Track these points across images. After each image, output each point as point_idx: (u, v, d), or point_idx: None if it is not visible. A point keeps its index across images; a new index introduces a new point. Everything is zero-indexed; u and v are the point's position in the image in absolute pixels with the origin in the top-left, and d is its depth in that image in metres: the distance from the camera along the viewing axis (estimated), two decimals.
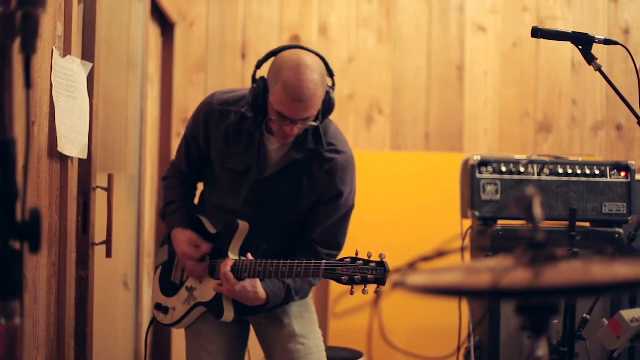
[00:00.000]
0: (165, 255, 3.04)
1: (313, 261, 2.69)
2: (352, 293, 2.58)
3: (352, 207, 2.90)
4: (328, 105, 2.76)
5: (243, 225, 2.83)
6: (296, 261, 2.69)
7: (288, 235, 2.91)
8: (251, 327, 3.06)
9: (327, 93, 2.74)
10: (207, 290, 2.87)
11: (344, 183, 2.83)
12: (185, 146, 3.01)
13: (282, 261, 2.71)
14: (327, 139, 2.83)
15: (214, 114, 2.88)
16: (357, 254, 2.64)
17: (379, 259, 2.61)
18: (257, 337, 3.04)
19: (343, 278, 2.62)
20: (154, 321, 3.11)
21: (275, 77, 2.66)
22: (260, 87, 2.72)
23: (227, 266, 2.76)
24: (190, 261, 2.88)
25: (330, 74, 2.79)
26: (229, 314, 2.85)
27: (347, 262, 2.63)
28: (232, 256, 2.81)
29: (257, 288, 2.76)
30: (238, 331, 3.00)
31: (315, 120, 2.72)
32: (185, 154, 3.00)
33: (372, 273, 2.61)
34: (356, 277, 2.61)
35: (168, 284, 3.01)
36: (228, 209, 2.88)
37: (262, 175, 2.82)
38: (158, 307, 3.00)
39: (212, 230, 2.94)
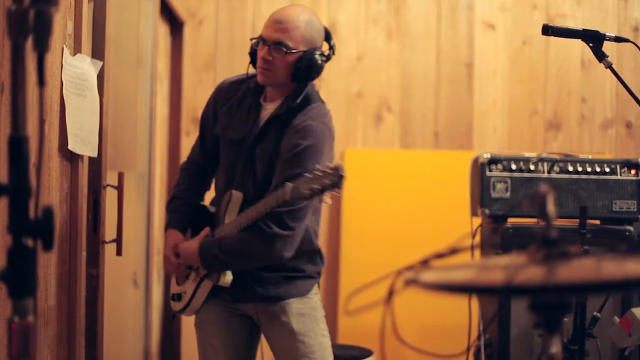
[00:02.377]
0: None
1: (277, 191, 2.61)
2: (323, 202, 2.52)
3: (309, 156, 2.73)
4: (311, 65, 2.78)
5: (236, 194, 2.86)
6: (262, 200, 2.68)
7: None
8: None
9: (314, 52, 2.79)
10: None
11: (305, 139, 2.74)
12: (199, 131, 3.12)
13: (252, 207, 2.72)
14: (308, 109, 2.82)
15: (223, 92, 3.01)
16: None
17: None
18: (264, 335, 3.04)
19: (306, 193, 2.49)
20: (174, 317, 3.16)
21: None
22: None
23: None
24: (169, 266, 3.01)
25: (330, 43, 2.87)
26: (229, 276, 2.86)
27: (307, 176, 2.51)
28: None
29: (189, 243, 2.90)
30: (242, 327, 3.00)
31: (289, 53, 2.74)
32: (200, 138, 3.11)
33: (327, 178, 2.47)
34: (315, 186, 2.48)
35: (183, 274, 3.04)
36: (229, 183, 2.92)
37: (251, 137, 2.86)
38: (173, 297, 3.06)
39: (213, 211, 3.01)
